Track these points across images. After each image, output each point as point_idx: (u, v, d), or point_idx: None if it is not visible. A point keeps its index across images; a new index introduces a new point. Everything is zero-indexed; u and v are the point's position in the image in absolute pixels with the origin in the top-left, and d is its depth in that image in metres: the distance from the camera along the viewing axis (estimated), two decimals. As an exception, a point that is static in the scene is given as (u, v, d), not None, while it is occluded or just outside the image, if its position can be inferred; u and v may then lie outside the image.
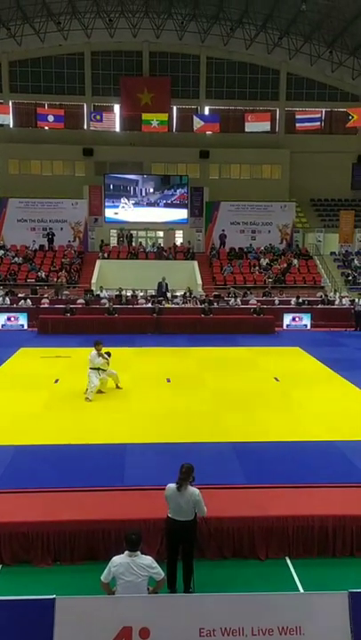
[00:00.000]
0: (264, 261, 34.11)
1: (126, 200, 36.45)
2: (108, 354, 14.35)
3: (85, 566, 7.22)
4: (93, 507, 7.84)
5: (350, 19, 33.33)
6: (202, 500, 6.62)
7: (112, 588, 5.66)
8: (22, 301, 26.47)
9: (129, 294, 28.42)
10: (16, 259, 33.37)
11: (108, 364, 14.22)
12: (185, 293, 28.07)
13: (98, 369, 13.90)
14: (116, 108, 38.59)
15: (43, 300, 26.82)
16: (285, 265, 33.73)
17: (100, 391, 14.04)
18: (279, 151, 38.43)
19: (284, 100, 39.17)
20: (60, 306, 25.54)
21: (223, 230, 36.13)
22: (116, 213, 36.51)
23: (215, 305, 26.31)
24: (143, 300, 27.62)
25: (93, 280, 31.33)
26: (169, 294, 28.49)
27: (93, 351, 13.96)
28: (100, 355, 13.93)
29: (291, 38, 36.85)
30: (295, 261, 34.09)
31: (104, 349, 14.15)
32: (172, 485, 6.65)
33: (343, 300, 28.27)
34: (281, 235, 36.51)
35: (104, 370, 14.10)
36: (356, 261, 34.38)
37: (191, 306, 26.52)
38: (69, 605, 5.35)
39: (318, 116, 37.32)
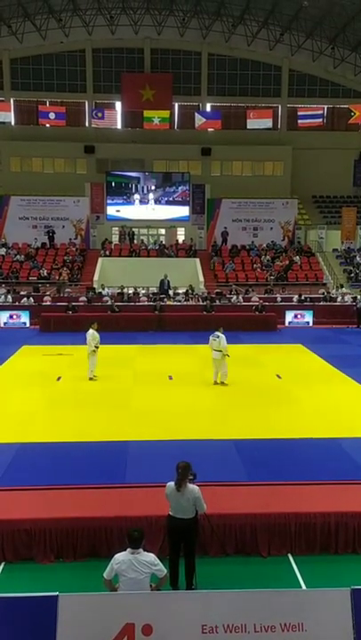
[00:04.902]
0: (266, 258, 34.08)
1: (134, 197, 36.39)
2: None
3: (88, 563, 7.23)
4: (96, 504, 7.85)
5: (352, 14, 33.19)
6: (201, 496, 6.61)
7: (115, 585, 5.66)
8: (24, 299, 26.52)
9: (131, 292, 28.41)
10: (18, 256, 33.38)
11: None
12: (187, 291, 28.04)
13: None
14: (118, 105, 38.53)
15: (45, 298, 26.84)
16: (287, 262, 33.68)
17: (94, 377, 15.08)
18: (281, 148, 38.32)
19: (286, 96, 39.03)
20: (62, 304, 25.54)
21: (225, 227, 36.07)
22: (117, 211, 36.47)
23: (217, 302, 26.29)
24: (145, 298, 27.61)
25: (95, 278, 31.33)
26: (171, 292, 28.47)
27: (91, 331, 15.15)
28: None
29: (293, 34, 36.73)
30: (297, 258, 34.05)
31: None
32: (171, 484, 6.63)
33: (345, 296, 28.23)
34: (283, 232, 36.45)
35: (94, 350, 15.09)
36: (358, 258, 34.31)
37: (193, 303, 26.51)
38: (72, 602, 5.34)
39: (320, 112, 37.27)
